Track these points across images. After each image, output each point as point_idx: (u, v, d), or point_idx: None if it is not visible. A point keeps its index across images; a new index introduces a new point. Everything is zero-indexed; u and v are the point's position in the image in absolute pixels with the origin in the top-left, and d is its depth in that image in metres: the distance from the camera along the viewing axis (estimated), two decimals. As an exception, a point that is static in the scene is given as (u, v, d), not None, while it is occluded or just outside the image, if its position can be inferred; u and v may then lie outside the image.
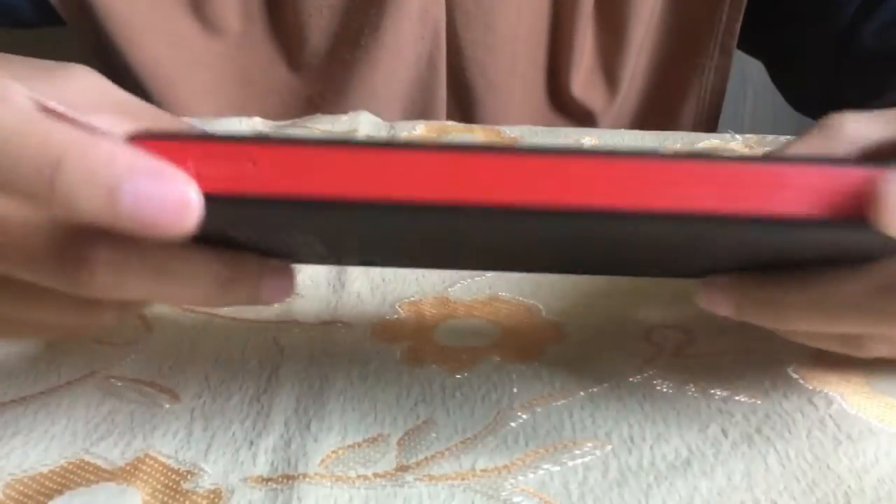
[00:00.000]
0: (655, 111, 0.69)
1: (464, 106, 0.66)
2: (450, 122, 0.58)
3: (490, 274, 0.40)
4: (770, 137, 0.55)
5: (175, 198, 0.21)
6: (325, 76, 0.65)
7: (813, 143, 0.31)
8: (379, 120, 0.57)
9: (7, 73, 0.25)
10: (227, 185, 0.22)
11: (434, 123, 0.57)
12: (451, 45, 0.64)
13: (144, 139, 0.22)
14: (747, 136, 0.55)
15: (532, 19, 0.65)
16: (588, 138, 0.55)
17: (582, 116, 0.67)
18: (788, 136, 0.55)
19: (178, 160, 0.22)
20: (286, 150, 0.22)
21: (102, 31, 0.61)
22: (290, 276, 0.27)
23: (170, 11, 0.62)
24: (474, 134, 0.55)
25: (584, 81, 0.67)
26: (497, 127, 0.57)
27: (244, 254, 0.26)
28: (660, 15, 0.67)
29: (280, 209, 0.22)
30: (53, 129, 0.22)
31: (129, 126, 0.25)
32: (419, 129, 0.56)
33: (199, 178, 0.22)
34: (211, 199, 0.22)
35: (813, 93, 0.66)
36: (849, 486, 0.27)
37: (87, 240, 0.23)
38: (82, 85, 0.27)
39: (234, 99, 0.64)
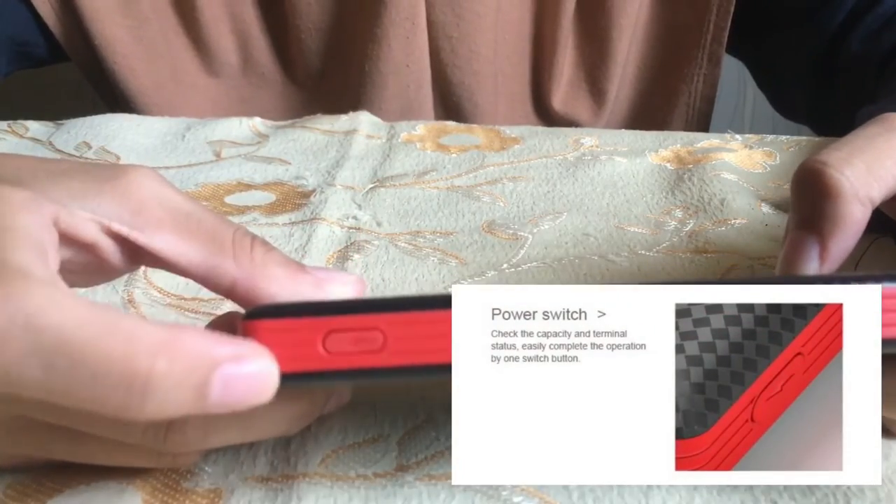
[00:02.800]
0: (645, 120, 0.69)
1: None
2: (450, 123, 0.58)
3: (490, 274, 0.40)
4: (770, 137, 0.55)
5: (257, 375, 0.22)
6: (320, 96, 0.65)
7: (878, 139, 0.30)
8: (378, 120, 0.57)
9: (65, 190, 0.25)
10: (357, 361, 0.23)
11: (433, 123, 0.57)
12: (437, 71, 0.65)
13: (263, 318, 0.23)
14: (747, 136, 0.55)
15: (514, 38, 0.66)
16: (588, 138, 0.55)
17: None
18: (788, 136, 0.55)
19: (305, 340, 0.23)
20: (413, 318, 0.23)
21: (104, 63, 0.62)
22: (346, 390, 0.28)
23: (171, 44, 0.63)
24: (473, 134, 0.56)
25: (566, 95, 0.68)
26: (497, 127, 0.57)
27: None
28: (645, 26, 0.67)
29: (414, 375, 0.24)
30: (135, 335, 0.21)
31: (190, 244, 0.26)
32: (419, 129, 0.56)
33: (329, 355, 0.23)
34: (342, 374, 0.23)
35: (798, 98, 0.66)
36: (848, 487, 0.27)
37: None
38: (144, 199, 0.26)
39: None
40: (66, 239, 0.25)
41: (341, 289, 0.27)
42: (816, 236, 0.29)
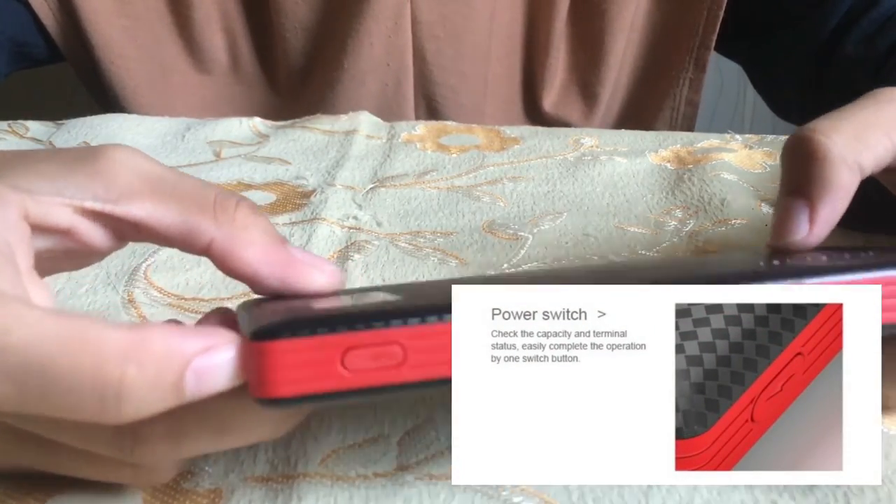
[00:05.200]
0: (631, 123, 0.69)
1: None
2: (450, 123, 0.58)
3: (490, 274, 0.40)
4: (770, 137, 0.55)
5: (229, 361, 0.22)
6: (302, 96, 0.66)
7: (868, 110, 0.30)
8: (378, 120, 0.57)
9: (37, 174, 0.25)
10: (378, 377, 0.22)
11: (434, 123, 0.57)
12: (420, 71, 0.65)
13: (276, 338, 0.22)
14: (747, 136, 0.55)
15: (505, 39, 0.66)
16: (588, 138, 0.55)
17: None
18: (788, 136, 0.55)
19: (323, 359, 0.22)
20: (431, 330, 0.23)
21: (101, 63, 0.62)
22: None
23: (162, 42, 0.63)
24: (473, 134, 0.56)
25: (558, 98, 0.68)
26: (497, 127, 0.57)
27: None
28: (640, 30, 0.67)
29: (435, 387, 0.23)
30: (101, 343, 0.20)
31: (167, 206, 0.25)
32: (419, 129, 0.56)
33: (349, 373, 0.22)
34: (362, 392, 0.22)
35: (793, 98, 0.66)
36: (848, 487, 0.27)
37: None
38: (117, 171, 0.25)
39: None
40: (41, 229, 0.24)
41: (318, 276, 0.26)
42: (805, 200, 0.29)
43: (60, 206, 0.25)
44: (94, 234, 0.26)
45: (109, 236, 0.26)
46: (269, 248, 0.25)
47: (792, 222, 0.29)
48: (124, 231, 0.26)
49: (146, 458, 0.23)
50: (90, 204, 0.25)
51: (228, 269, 0.25)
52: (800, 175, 0.29)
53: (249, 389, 0.22)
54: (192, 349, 0.21)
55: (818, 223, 0.29)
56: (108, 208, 0.25)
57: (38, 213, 0.24)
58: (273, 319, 0.23)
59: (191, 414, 0.23)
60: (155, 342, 0.21)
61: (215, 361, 0.22)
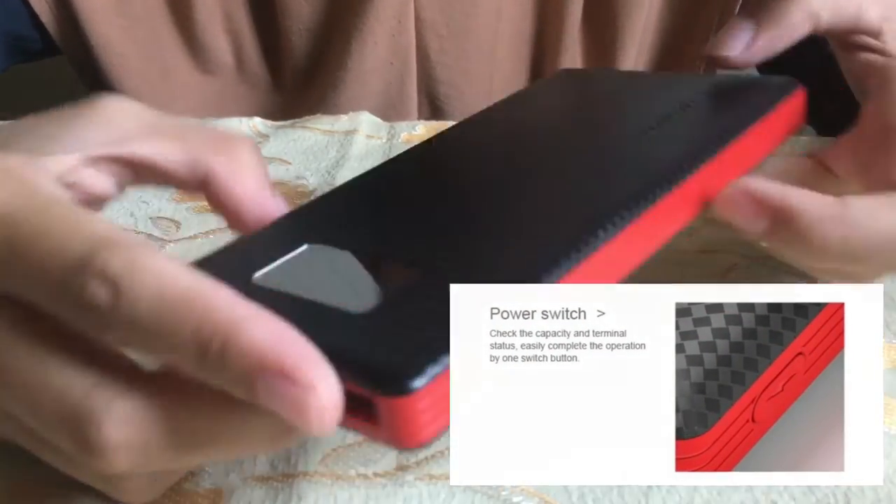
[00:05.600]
0: None
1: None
2: (450, 123, 0.58)
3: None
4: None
5: (312, 405, 0.19)
6: (306, 96, 0.66)
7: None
8: (378, 120, 0.57)
9: (44, 137, 0.26)
10: None
11: (434, 123, 0.57)
12: (424, 69, 0.65)
13: (420, 389, 0.20)
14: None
15: (513, 39, 0.65)
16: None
17: None
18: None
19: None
20: None
21: (100, 62, 0.62)
22: None
23: (163, 43, 0.63)
24: (475, 134, 0.55)
25: None
26: (498, 127, 0.57)
27: None
28: (652, 35, 0.67)
29: None
30: (210, 306, 0.20)
31: (172, 143, 0.26)
32: (419, 130, 0.56)
33: None
34: None
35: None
36: (849, 487, 0.27)
37: (93, 421, 0.20)
38: (115, 116, 0.26)
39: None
40: None
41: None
42: (753, 23, 0.32)
43: (66, 162, 0.25)
44: (97, 181, 0.26)
45: (111, 182, 0.27)
46: (259, 190, 0.27)
47: (732, 38, 0.32)
48: (125, 175, 0.27)
49: (112, 470, 0.21)
50: (94, 150, 0.26)
51: (219, 199, 0.26)
52: (759, 2, 0.32)
53: (380, 438, 0.20)
54: (270, 360, 0.19)
55: (753, 49, 0.32)
56: (113, 150, 0.26)
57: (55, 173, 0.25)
58: (393, 362, 0.20)
59: (155, 421, 0.21)
60: (244, 331, 0.19)
61: (293, 394, 0.19)
